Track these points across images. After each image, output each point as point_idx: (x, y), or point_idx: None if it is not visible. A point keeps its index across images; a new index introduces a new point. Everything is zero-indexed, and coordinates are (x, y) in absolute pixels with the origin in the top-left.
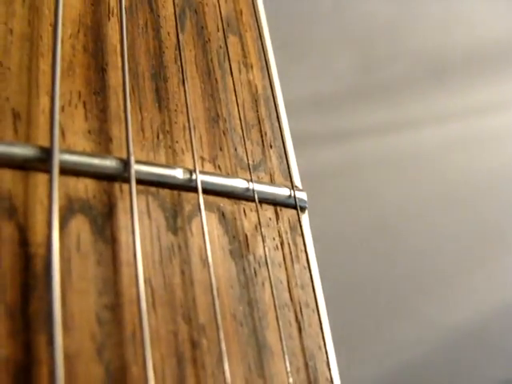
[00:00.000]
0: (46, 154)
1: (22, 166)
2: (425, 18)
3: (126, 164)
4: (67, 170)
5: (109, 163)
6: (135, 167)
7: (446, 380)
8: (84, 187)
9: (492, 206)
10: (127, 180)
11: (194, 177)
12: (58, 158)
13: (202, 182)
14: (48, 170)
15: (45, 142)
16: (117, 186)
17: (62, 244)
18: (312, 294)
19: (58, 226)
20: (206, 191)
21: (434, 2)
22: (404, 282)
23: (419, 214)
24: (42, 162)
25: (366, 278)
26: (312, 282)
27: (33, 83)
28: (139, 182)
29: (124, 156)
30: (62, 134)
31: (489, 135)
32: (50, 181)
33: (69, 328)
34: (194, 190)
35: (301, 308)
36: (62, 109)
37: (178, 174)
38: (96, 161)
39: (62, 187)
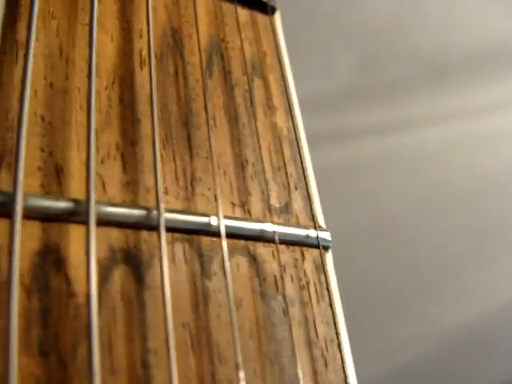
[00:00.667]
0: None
1: (68, 219)
2: (425, 18)
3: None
4: (108, 222)
5: (145, 213)
6: (169, 216)
7: (446, 380)
8: (125, 238)
9: (492, 206)
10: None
11: (225, 223)
12: (95, 210)
13: (232, 228)
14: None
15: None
16: (155, 234)
17: (106, 293)
18: (336, 330)
19: (102, 275)
20: (235, 236)
21: (435, 2)
22: (404, 283)
23: (420, 215)
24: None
25: (366, 278)
26: (336, 318)
27: (73, 136)
28: (176, 230)
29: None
30: (103, 185)
31: (489, 135)
32: (87, 232)
33: (115, 373)
34: (227, 236)
35: (326, 344)
36: (102, 161)
37: (213, 221)
38: (135, 212)
39: (104, 238)
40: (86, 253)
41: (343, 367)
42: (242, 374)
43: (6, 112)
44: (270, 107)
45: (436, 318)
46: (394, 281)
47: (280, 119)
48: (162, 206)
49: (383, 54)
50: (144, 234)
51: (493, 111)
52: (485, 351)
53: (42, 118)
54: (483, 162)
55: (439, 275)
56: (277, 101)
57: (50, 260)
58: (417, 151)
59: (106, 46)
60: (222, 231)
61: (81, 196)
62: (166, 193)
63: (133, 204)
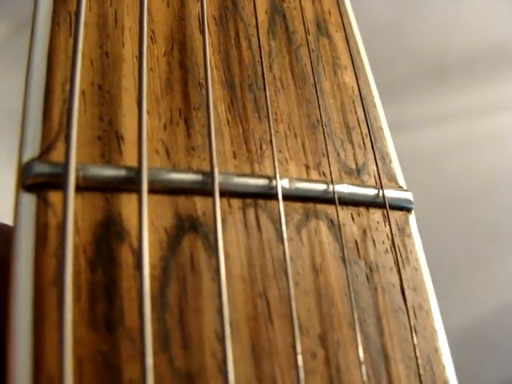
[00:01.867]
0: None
1: (129, 188)
2: (425, 18)
3: (210, 177)
4: (173, 189)
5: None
6: (238, 180)
7: None
8: (193, 205)
9: (492, 207)
10: (235, 195)
11: (296, 186)
12: (156, 177)
13: (306, 191)
14: (157, 191)
15: (150, 162)
16: (225, 201)
17: (176, 263)
18: (425, 296)
19: (169, 244)
20: (311, 199)
21: (435, 2)
22: None
23: (418, 215)
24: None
25: None
26: (424, 283)
27: (132, 104)
28: (246, 195)
29: (231, 170)
30: (167, 152)
31: (489, 136)
32: (139, 199)
33: (188, 347)
34: (301, 199)
35: (414, 311)
36: (164, 127)
37: (285, 183)
38: (199, 177)
39: (169, 206)
40: (139, 220)
41: (434, 335)
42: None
43: (62, 84)
44: (338, 66)
45: None
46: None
47: (350, 78)
48: (216, 170)
49: (382, 54)
50: (212, 200)
51: (492, 111)
52: (485, 351)
53: (100, 87)
54: (483, 162)
55: (439, 275)
56: (345, 59)
57: (114, 231)
58: (416, 152)
59: (162, 13)
60: (291, 193)
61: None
62: (234, 157)
63: (198, 170)
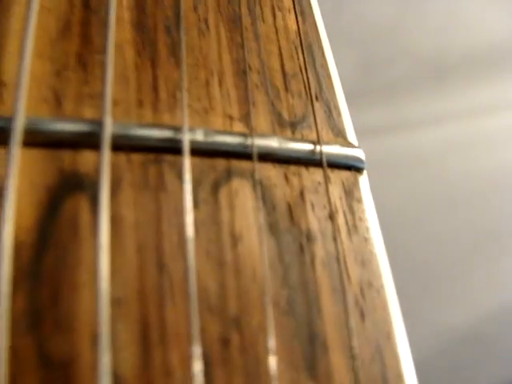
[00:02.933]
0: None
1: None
2: (425, 18)
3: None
4: (62, 142)
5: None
6: (139, 131)
7: (446, 380)
8: (82, 160)
9: (493, 206)
10: (136, 149)
11: (219, 139)
12: (23, 127)
13: (228, 145)
14: (39, 144)
15: (36, 111)
16: (123, 156)
17: (56, 227)
18: (376, 271)
19: (52, 206)
20: (233, 155)
21: (434, 2)
22: (404, 282)
23: (419, 215)
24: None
25: None
26: (375, 256)
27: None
28: (151, 149)
29: (133, 121)
30: (57, 100)
31: (489, 136)
32: (9, 152)
33: (62, 329)
34: (222, 154)
35: (362, 289)
36: (58, 73)
37: (199, 135)
38: (92, 127)
39: (55, 162)
40: (6, 177)
41: (386, 319)
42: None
43: None
44: (279, 8)
45: (435, 318)
46: (393, 281)
47: (293, 21)
48: (109, 118)
49: (382, 54)
50: (112, 155)
51: (493, 111)
52: (485, 351)
53: None
54: (483, 162)
55: (439, 275)
56: (288, 1)
57: None
58: (415, 152)
59: None
60: (207, 147)
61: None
62: (140, 105)
63: (92, 120)
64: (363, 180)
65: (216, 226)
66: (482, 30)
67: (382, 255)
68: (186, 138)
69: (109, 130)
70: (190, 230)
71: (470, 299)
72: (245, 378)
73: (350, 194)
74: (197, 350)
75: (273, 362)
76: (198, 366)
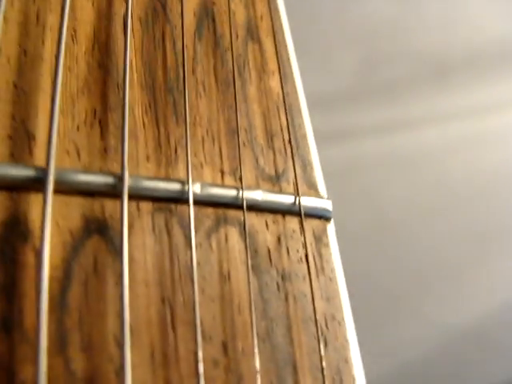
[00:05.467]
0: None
1: (38, 188)
2: (426, 17)
3: (120, 180)
4: (83, 191)
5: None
6: (148, 184)
7: (446, 380)
8: (100, 208)
9: (493, 206)
10: (145, 199)
11: (213, 192)
12: (63, 178)
13: (219, 197)
14: (64, 191)
15: (60, 163)
16: (133, 204)
17: (79, 266)
18: (338, 306)
19: (73, 246)
20: (223, 205)
21: (435, 1)
22: (404, 282)
23: (420, 214)
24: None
25: (367, 278)
26: (338, 293)
27: (47, 104)
28: (155, 198)
29: (143, 174)
30: (77, 153)
31: (490, 135)
32: (44, 199)
33: (86, 350)
34: (214, 205)
35: (326, 321)
36: (78, 128)
37: (196, 188)
38: (110, 179)
39: (75, 207)
40: (42, 222)
41: (345, 346)
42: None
43: None
44: (265, 71)
45: (436, 317)
46: (394, 281)
47: (276, 83)
48: (126, 173)
49: (383, 53)
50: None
51: (493, 111)
52: (485, 351)
53: (15, 86)
54: (483, 161)
55: (439, 275)
56: (273, 65)
57: (17, 231)
58: (417, 151)
59: (86, 11)
60: (203, 199)
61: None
62: (147, 160)
63: (109, 172)
64: (330, 227)
65: (209, 266)
66: (483, 28)
67: (344, 292)
68: (191, 191)
69: (127, 182)
70: (193, 269)
71: (470, 298)
72: None
73: (319, 240)
74: (201, 368)
75: (258, 380)
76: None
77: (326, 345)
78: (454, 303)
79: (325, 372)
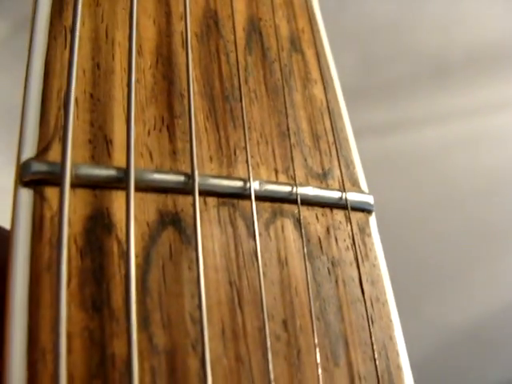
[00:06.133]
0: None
1: (116, 186)
2: (425, 17)
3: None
4: (155, 187)
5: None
6: (212, 181)
7: (446, 379)
8: (172, 203)
9: (493, 206)
10: (210, 194)
11: (266, 187)
12: (140, 176)
13: (275, 192)
14: (141, 189)
15: (136, 164)
16: (201, 199)
17: (156, 253)
18: (382, 289)
19: (150, 237)
20: (279, 200)
21: (435, 1)
22: (404, 282)
23: (420, 214)
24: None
25: None
26: (381, 278)
27: (120, 111)
28: (219, 194)
29: (207, 172)
30: (150, 155)
31: (490, 135)
32: (127, 196)
33: (166, 326)
34: (269, 199)
35: (372, 302)
36: (148, 133)
37: (255, 185)
38: (179, 177)
39: (151, 202)
40: (126, 216)
41: (392, 325)
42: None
43: (57, 91)
44: (309, 80)
45: (436, 317)
46: (394, 281)
47: (319, 91)
48: (196, 172)
49: (383, 53)
50: (190, 198)
51: (493, 111)
52: (485, 351)
53: (91, 96)
54: (484, 161)
55: (439, 275)
56: (315, 74)
57: (102, 224)
58: (417, 150)
59: (148, 29)
60: (261, 194)
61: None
62: (211, 160)
63: (179, 171)
64: (372, 219)
65: (268, 253)
66: (483, 27)
67: (386, 277)
68: (253, 188)
69: (197, 181)
70: (258, 256)
71: (470, 299)
72: (288, 365)
73: (363, 230)
74: (268, 342)
75: (317, 353)
76: (268, 355)
77: (372, 323)
78: (454, 303)
79: (373, 347)
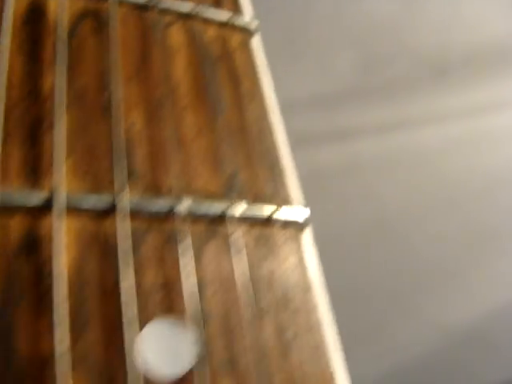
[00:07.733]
0: None
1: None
2: (425, 17)
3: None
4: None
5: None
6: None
7: (446, 379)
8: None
9: (493, 205)
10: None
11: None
12: None
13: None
14: None
15: None
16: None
17: None
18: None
19: None
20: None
21: (435, 1)
22: (404, 282)
23: (419, 214)
24: None
25: (366, 278)
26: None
27: None
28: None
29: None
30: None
31: (489, 135)
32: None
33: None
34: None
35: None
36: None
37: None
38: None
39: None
40: None
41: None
42: None
43: None
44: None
45: (436, 317)
46: (394, 280)
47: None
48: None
49: (383, 53)
50: None
51: (493, 111)
52: (485, 351)
53: None
54: (483, 161)
55: (439, 275)
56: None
57: None
58: (417, 151)
59: None
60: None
61: None
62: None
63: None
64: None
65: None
66: (483, 27)
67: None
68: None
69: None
70: None
71: (470, 299)
72: None
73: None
74: None
75: None
76: None
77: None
78: (454, 303)
79: None
